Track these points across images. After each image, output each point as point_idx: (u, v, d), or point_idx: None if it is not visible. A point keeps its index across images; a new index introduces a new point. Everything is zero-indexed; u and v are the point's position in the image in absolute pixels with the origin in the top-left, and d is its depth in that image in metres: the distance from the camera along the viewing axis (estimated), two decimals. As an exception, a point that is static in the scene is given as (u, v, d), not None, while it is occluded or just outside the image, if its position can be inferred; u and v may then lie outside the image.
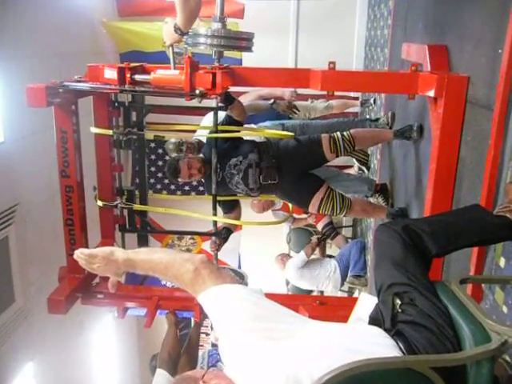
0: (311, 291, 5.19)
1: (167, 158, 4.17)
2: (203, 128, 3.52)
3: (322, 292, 5.17)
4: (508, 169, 1.94)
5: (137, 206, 3.34)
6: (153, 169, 5.14)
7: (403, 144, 3.47)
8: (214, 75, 2.31)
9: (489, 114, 2.05)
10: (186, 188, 5.26)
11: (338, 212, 3.28)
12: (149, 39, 4.84)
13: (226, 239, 3.48)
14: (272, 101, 4.24)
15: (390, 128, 3.83)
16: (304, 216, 5.40)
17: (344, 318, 1.59)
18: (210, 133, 3.19)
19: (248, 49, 2.35)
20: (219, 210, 3.36)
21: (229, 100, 3.02)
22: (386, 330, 1.25)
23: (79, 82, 2.67)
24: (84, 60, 2.80)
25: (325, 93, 2.55)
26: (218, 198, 3.29)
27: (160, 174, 5.16)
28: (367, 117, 4.88)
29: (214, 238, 3.46)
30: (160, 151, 5.05)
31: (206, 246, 4.89)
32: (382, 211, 3.51)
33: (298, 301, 3.11)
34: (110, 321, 5.70)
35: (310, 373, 1.02)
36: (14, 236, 3.54)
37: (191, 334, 3.00)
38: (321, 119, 4.42)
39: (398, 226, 1.53)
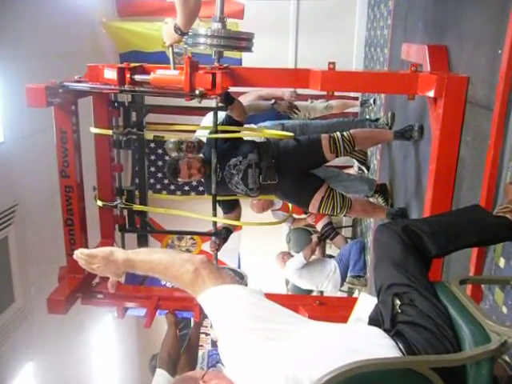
0: (311, 291, 5.19)
1: (167, 158, 4.18)
2: (203, 128, 3.52)
3: (321, 292, 5.18)
4: (508, 169, 1.94)
5: (137, 207, 3.34)
6: (152, 169, 5.14)
7: (403, 144, 3.47)
8: (214, 75, 2.31)
9: (489, 114, 2.05)
10: (186, 188, 5.26)
11: (338, 212, 3.28)
12: (149, 39, 4.84)
13: (225, 239, 3.48)
14: (273, 101, 4.24)
15: (390, 128, 3.83)
16: (304, 216, 5.40)
17: (344, 319, 1.59)
18: (210, 133, 3.19)
19: (248, 49, 2.35)
20: (219, 210, 3.36)
21: (229, 100, 3.02)
22: (385, 330, 1.25)
23: (79, 82, 2.67)
24: (84, 60, 2.80)
25: (324, 93, 2.55)
26: (218, 198, 3.29)
27: (160, 174, 5.16)
28: (367, 117, 4.89)
29: (213, 238, 3.46)
30: (160, 151, 5.05)
31: (206, 246, 4.90)
32: (381, 211, 3.52)
33: (298, 301, 3.11)
34: (109, 321, 5.70)
35: (309, 373, 1.02)
36: (14, 236, 3.54)
37: (191, 334, 3.00)
38: (320, 119, 4.42)
39: (397, 227, 1.53)
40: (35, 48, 3.70)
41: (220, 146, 3.16)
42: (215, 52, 2.34)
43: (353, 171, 4.87)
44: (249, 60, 3.68)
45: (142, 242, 3.57)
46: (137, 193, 3.47)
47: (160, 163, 5.10)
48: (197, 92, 2.30)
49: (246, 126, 3.41)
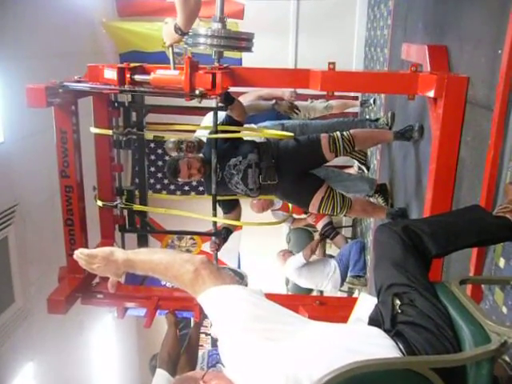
0: (311, 290, 5.19)
1: (167, 158, 4.17)
2: (203, 128, 3.52)
3: (321, 292, 5.18)
4: (508, 169, 1.94)
5: (137, 207, 3.34)
6: (152, 169, 5.13)
7: (403, 144, 3.47)
8: (214, 75, 2.31)
9: (489, 114, 2.05)
10: (186, 188, 5.26)
11: (338, 212, 3.28)
12: (149, 39, 4.84)
13: (225, 239, 3.48)
14: (274, 101, 4.24)
15: (390, 128, 3.83)
16: (303, 216, 5.40)
17: (344, 319, 1.59)
18: (210, 133, 3.19)
19: (248, 49, 2.35)
20: (219, 210, 3.36)
21: (229, 100, 3.02)
22: (385, 330, 1.25)
23: (79, 82, 2.67)
24: (84, 60, 2.80)
25: (324, 93, 2.55)
26: (218, 198, 3.29)
27: (160, 174, 5.16)
28: (367, 117, 4.89)
29: (213, 238, 3.46)
30: (160, 151, 5.05)
31: (206, 246, 4.90)
32: (381, 211, 3.52)
33: (298, 301, 3.11)
34: (109, 321, 5.70)
35: (309, 373, 1.02)
36: (14, 236, 3.54)
37: (191, 334, 3.00)
38: (320, 119, 4.42)
39: (397, 227, 1.53)
40: (35, 48, 3.70)
41: (220, 146, 3.16)
42: (215, 52, 2.35)
43: (353, 171, 4.87)
44: (249, 60, 3.68)
45: (142, 242, 3.58)
46: (137, 193, 3.47)
47: (160, 163, 5.10)
48: (197, 92, 2.30)
49: (246, 126, 3.41)
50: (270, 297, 1.23)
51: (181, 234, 5.14)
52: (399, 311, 1.28)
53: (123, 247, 3.27)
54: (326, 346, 1.12)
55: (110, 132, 3.01)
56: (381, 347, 1.15)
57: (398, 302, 1.30)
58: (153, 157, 5.12)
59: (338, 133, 3.20)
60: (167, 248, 5.31)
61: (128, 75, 2.40)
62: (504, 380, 1.28)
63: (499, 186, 2.00)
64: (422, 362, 1.10)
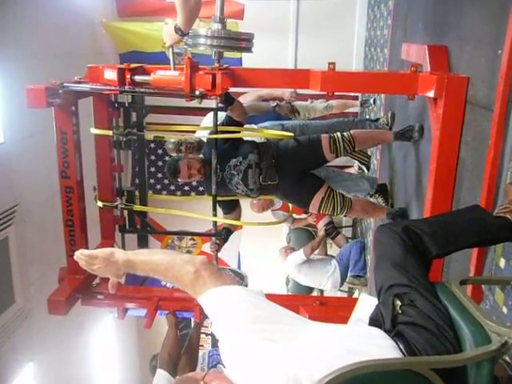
0: (311, 289, 5.19)
1: (167, 158, 4.18)
2: (203, 128, 3.52)
3: (321, 291, 5.18)
4: (508, 169, 1.94)
5: (137, 207, 3.34)
6: (152, 169, 5.14)
7: (403, 144, 3.47)
8: (214, 76, 2.31)
9: (489, 114, 2.05)
10: (186, 188, 5.26)
11: (338, 212, 3.28)
12: (149, 39, 4.84)
13: (225, 239, 3.48)
14: (275, 103, 4.24)
15: (390, 128, 3.84)
16: (304, 216, 5.40)
17: (344, 319, 1.59)
18: (210, 133, 3.19)
19: (248, 49, 2.35)
20: (219, 210, 3.36)
21: (229, 101, 3.02)
22: (386, 331, 1.25)
23: (79, 82, 2.67)
24: (84, 60, 2.80)
25: (324, 93, 2.55)
26: (218, 199, 3.29)
27: (160, 175, 5.16)
28: (367, 117, 4.89)
29: (213, 238, 3.46)
30: (160, 152, 5.05)
31: (207, 247, 4.90)
32: (382, 211, 3.52)
33: (298, 301, 3.11)
34: (110, 321, 5.70)
35: (310, 374, 1.02)
36: (14, 236, 3.53)
37: (191, 334, 3.00)
38: (320, 119, 4.42)
39: (397, 227, 1.53)
40: (35, 48, 3.70)
41: (220, 147, 3.16)
42: (215, 52, 2.34)
43: (353, 171, 4.87)
44: (249, 60, 3.68)
45: (142, 243, 3.57)
46: (137, 193, 3.47)
47: (160, 163, 5.10)
48: (197, 92, 2.30)
49: (246, 126, 3.41)
50: (271, 297, 1.23)
51: (181, 234, 5.14)
52: (400, 312, 1.28)
53: (123, 248, 3.27)
54: (326, 346, 1.12)
55: (110, 132, 3.01)
56: (381, 348, 1.16)
57: (398, 302, 1.30)
58: (153, 157, 5.13)
59: (338, 133, 3.20)
60: (167, 248, 5.31)
61: (128, 76, 2.40)
62: (504, 380, 1.28)
63: (499, 187, 2.00)
64: (422, 362, 1.10)
